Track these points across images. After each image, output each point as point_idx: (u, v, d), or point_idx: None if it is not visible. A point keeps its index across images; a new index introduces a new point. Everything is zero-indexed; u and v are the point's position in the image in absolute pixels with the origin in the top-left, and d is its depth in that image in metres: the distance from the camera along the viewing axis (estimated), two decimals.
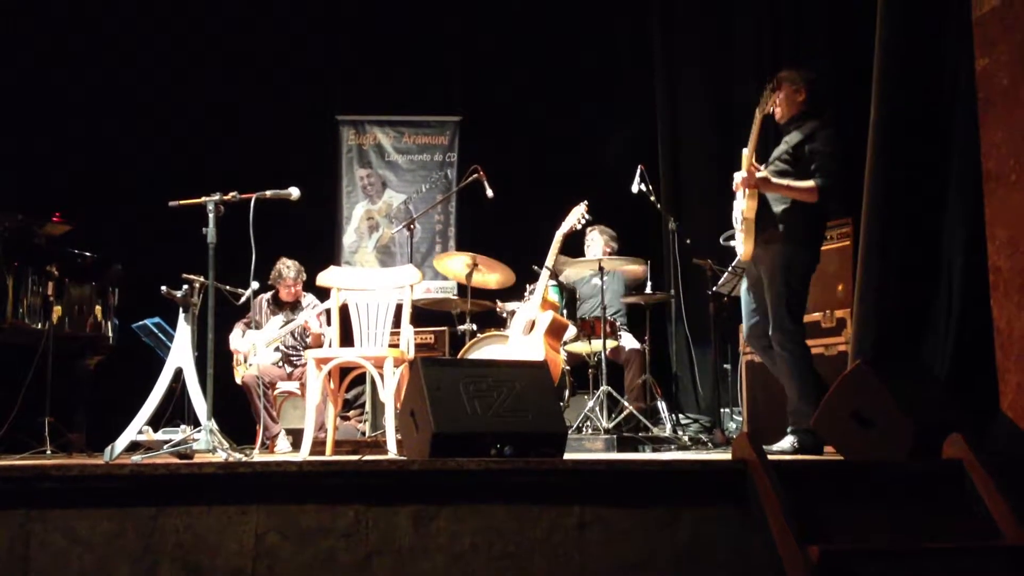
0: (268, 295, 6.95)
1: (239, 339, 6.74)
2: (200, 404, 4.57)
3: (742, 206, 4.92)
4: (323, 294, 6.08)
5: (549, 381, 4.09)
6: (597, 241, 7.08)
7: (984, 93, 4.05)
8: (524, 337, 6.16)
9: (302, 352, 6.74)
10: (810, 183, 4.80)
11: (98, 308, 6.70)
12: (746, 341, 5.25)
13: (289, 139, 8.54)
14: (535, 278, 6.48)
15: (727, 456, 3.58)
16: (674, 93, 8.50)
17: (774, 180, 4.86)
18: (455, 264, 6.76)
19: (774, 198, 4.91)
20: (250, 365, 6.52)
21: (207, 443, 4.38)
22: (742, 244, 4.93)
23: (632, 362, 6.94)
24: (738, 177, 4.93)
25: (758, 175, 4.85)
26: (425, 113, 9.31)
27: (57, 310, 6.31)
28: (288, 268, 6.83)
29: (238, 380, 6.61)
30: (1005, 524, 3.11)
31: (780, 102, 5.03)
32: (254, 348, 6.60)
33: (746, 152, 4.91)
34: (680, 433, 6.42)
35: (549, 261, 6.32)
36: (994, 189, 3.98)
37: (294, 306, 6.91)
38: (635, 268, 6.85)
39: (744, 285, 5.16)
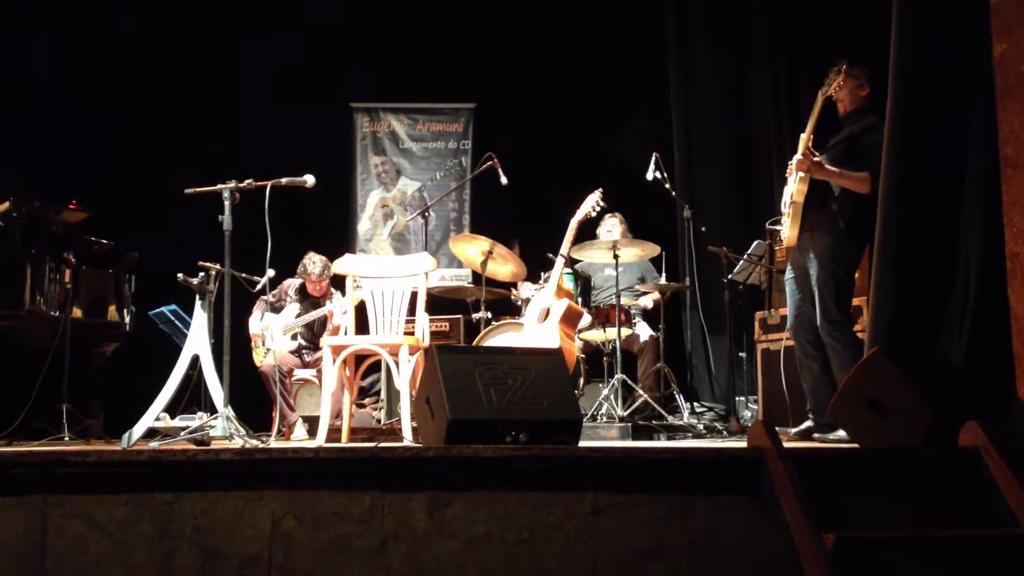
0: (297, 283, 6.94)
1: (257, 322, 6.76)
2: (217, 391, 4.59)
3: (792, 189, 4.94)
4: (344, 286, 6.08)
5: (564, 369, 4.09)
6: (616, 229, 7.06)
7: (1002, 79, 4.03)
8: (539, 325, 6.16)
9: (314, 349, 6.76)
10: (863, 173, 4.82)
11: (114, 295, 6.73)
12: (789, 329, 5.24)
13: (304, 126, 8.55)
14: (550, 266, 6.48)
15: (742, 444, 3.58)
16: (689, 79, 8.47)
17: (827, 167, 4.88)
18: (471, 249, 6.75)
19: (825, 186, 4.93)
20: (267, 350, 6.55)
21: (224, 430, 4.41)
22: (787, 229, 4.96)
23: (646, 353, 6.93)
24: (794, 160, 4.94)
25: (813, 159, 4.87)
26: (439, 100, 9.30)
27: (77, 312, 6.34)
28: (314, 264, 6.76)
29: (257, 363, 6.63)
30: (1022, 512, 3.10)
31: (844, 96, 5.03)
32: (269, 328, 6.62)
33: (804, 135, 4.92)
34: (695, 421, 6.42)
35: (564, 249, 6.31)
36: (1011, 175, 3.95)
37: (318, 302, 6.89)
38: (648, 250, 6.75)
39: (788, 274, 5.16)
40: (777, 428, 5.03)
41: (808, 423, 5.01)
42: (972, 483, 3.26)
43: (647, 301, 7.13)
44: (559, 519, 3.23)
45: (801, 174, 4.89)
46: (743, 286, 6.78)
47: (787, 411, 5.77)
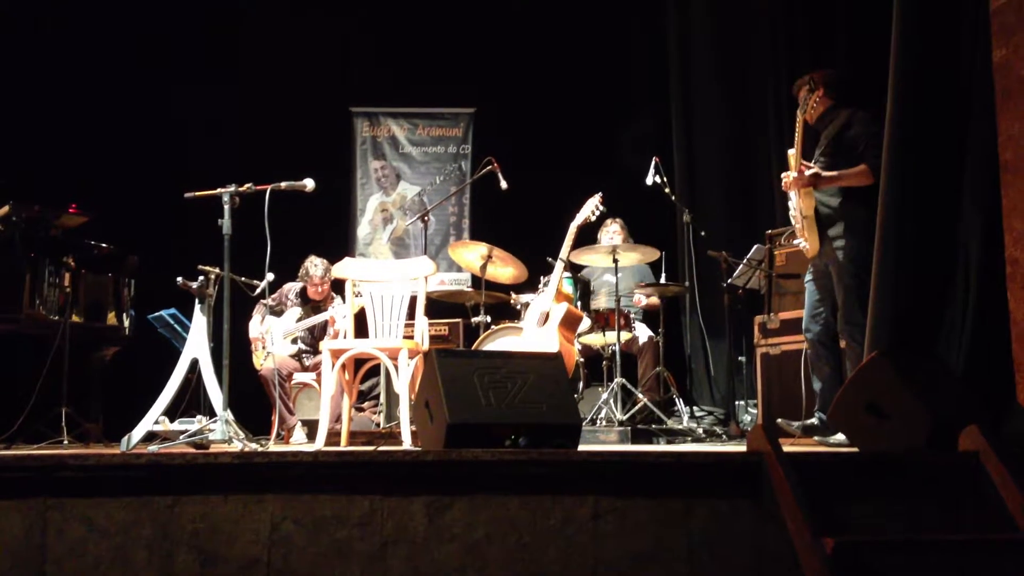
0: (297, 287, 6.93)
1: (257, 326, 6.75)
2: (216, 395, 4.59)
3: (800, 205, 4.97)
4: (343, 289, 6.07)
5: (563, 373, 4.09)
6: (618, 235, 7.06)
7: (1001, 84, 4.03)
8: (538, 329, 6.16)
9: (314, 353, 6.74)
10: (862, 167, 4.84)
11: (114, 299, 6.72)
12: (804, 329, 5.24)
13: (304, 131, 8.54)
14: (549, 270, 6.48)
15: (742, 448, 3.58)
16: (689, 82, 8.47)
17: (825, 174, 4.90)
18: (470, 254, 6.76)
19: (830, 192, 4.96)
20: (267, 354, 6.54)
21: (223, 433, 4.40)
22: (806, 242, 4.98)
23: (645, 354, 6.93)
24: (788, 178, 4.96)
25: (808, 172, 4.89)
26: (439, 105, 9.29)
27: (76, 316, 6.33)
28: (316, 267, 6.75)
29: (257, 366, 6.63)
30: (1021, 517, 3.10)
31: (810, 105, 5.07)
32: (269, 332, 6.61)
33: (792, 153, 4.96)
34: (695, 425, 6.42)
35: (563, 253, 6.32)
36: (1011, 181, 3.95)
37: (319, 306, 6.89)
38: (648, 254, 6.76)
39: (808, 276, 5.17)
40: (783, 420, 5.08)
41: (814, 420, 5.02)
42: (972, 487, 3.26)
43: (641, 297, 7.13)
44: (559, 523, 3.23)
45: (801, 190, 4.93)
46: (742, 290, 6.78)
47: (787, 415, 5.75)
